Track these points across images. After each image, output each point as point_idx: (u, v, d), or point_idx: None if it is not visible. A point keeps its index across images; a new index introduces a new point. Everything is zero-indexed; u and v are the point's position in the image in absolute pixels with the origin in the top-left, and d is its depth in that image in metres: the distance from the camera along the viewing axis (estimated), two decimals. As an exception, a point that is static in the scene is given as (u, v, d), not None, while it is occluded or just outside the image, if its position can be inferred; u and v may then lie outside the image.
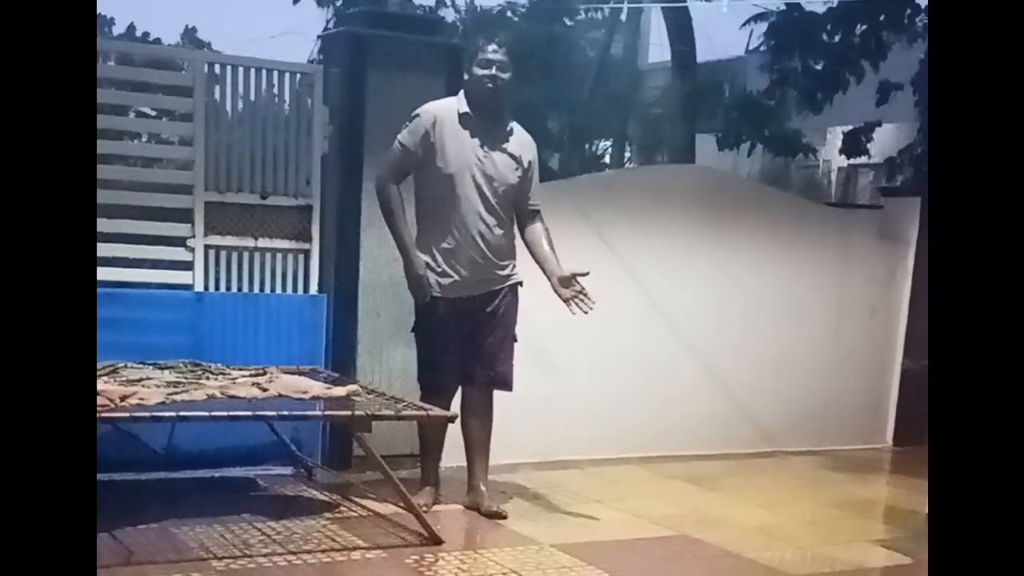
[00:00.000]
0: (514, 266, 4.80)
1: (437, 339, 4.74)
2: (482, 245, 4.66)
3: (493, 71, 4.62)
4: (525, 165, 4.76)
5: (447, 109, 4.68)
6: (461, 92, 4.71)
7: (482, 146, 4.66)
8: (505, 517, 4.76)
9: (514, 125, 4.78)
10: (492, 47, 4.65)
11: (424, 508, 4.59)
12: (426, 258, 4.68)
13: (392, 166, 4.69)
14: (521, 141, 4.79)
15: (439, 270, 4.67)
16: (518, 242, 4.85)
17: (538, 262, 4.78)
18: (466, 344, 4.74)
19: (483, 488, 4.86)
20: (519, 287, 4.83)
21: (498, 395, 4.87)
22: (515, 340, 4.84)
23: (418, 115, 4.67)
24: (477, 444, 4.87)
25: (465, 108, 4.66)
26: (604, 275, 5.97)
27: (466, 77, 4.70)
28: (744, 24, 13.76)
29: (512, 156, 4.72)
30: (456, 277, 4.66)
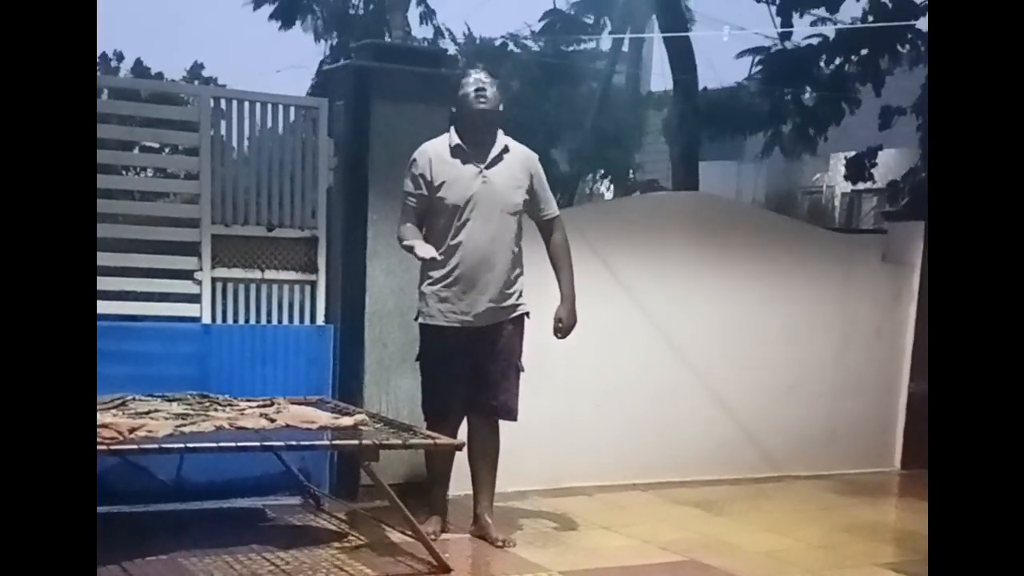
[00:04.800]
0: (521, 294, 4.81)
1: (440, 367, 4.75)
2: (486, 274, 4.68)
3: (475, 92, 4.67)
4: (528, 180, 4.78)
5: (439, 145, 4.75)
6: (452, 128, 4.77)
7: (480, 173, 4.69)
8: (514, 546, 4.77)
9: (509, 142, 4.79)
10: (470, 73, 4.79)
11: (432, 536, 4.60)
12: (431, 287, 4.72)
13: (406, 216, 4.75)
14: (519, 156, 4.80)
15: (443, 299, 4.70)
16: (529, 265, 4.88)
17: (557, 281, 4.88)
18: (469, 373, 4.76)
19: (488, 519, 4.85)
20: (526, 317, 4.85)
21: (505, 423, 4.88)
22: (520, 370, 4.83)
23: (413, 159, 4.75)
24: (482, 474, 4.88)
25: (456, 140, 4.71)
26: (609, 302, 6.02)
27: (453, 110, 4.76)
28: (740, 55, 13.88)
29: (513, 175, 4.75)
30: (460, 306, 4.68)
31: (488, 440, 4.85)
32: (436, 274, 4.70)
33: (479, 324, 4.70)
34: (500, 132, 4.78)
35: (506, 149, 4.76)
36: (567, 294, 4.84)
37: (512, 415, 4.83)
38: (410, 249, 4.67)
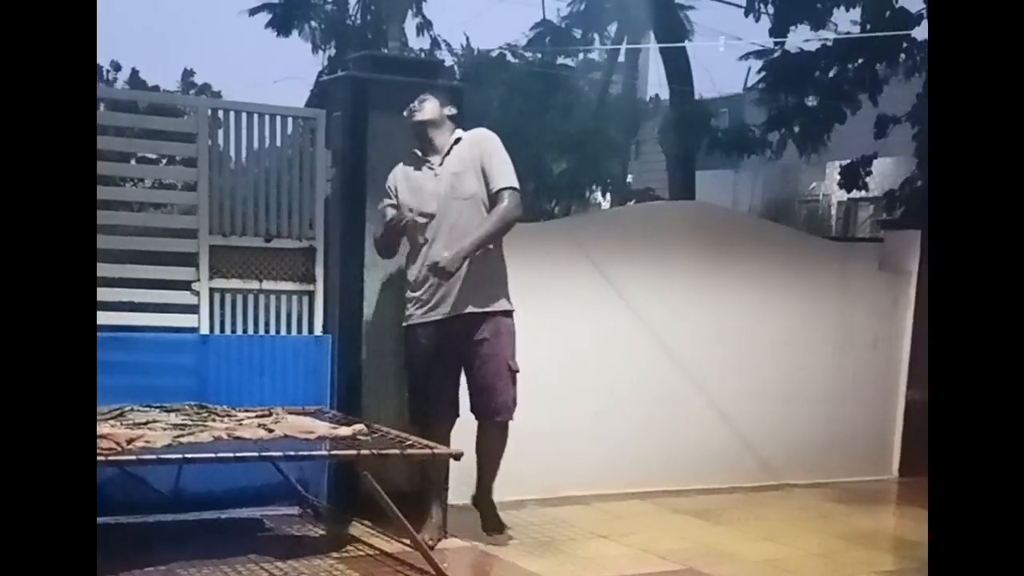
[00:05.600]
0: (503, 290, 4.84)
1: (420, 369, 4.85)
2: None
3: (410, 109, 4.83)
4: (480, 164, 4.80)
5: (403, 163, 4.94)
6: None
7: (435, 175, 4.80)
8: (504, 531, 4.92)
9: (462, 134, 4.89)
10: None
11: (430, 545, 4.60)
12: (409, 292, 4.86)
13: (380, 225, 4.93)
14: (469, 140, 4.87)
15: (419, 299, 4.80)
16: (515, 261, 4.91)
17: None
18: (457, 375, 4.84)
19: (485, 505, 4.98)
20: (509, 315, 4.85)
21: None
22: (515, 370, 4.84)
23: (387, 180, 4.96)
24: (485, 465, 4.95)
25: (413, 150, 4.88)
26: (606, 311, 6.03)
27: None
28: (740, 59, 13.94)
29: (461, 159, 4.81)
30: (434, 301, 4.76)
31: (496, 441, 4.92)
32: (411, 275, 4.86)
33: (453, 316, 4.74)
34: (458, 131, 4.89)
35: (458, 140, 4.85)
36: (469, 242, 4.65)
37: (509, 413, 4.86)
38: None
